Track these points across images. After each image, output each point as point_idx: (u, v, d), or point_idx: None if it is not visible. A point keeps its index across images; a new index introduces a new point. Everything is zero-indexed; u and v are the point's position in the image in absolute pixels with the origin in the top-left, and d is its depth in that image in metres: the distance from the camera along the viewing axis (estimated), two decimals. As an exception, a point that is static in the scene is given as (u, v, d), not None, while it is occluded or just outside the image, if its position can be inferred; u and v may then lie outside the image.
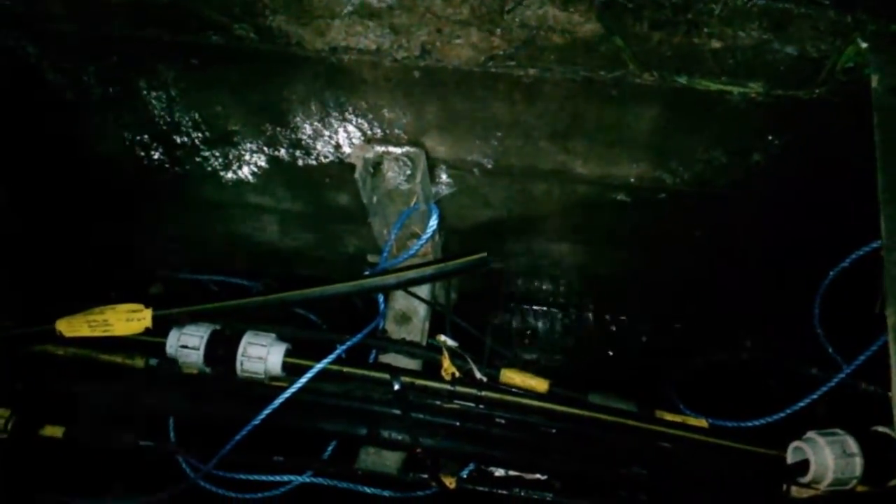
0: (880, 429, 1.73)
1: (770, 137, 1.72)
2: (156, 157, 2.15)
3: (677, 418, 2.01)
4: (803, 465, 1.72)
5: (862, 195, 1.32)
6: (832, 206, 1.82)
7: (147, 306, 2.05)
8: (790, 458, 1.76)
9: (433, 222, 2.02)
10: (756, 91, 1.58)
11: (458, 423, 2.06)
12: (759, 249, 2.10)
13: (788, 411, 1.93)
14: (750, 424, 1.97)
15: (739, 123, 1.70)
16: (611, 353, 2.56)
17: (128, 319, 2.05)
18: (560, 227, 2.20)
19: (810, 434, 1.75)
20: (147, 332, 2.10)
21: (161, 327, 2.08)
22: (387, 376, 2.02)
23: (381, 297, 2.22)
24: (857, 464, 1.70)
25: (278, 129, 1.99)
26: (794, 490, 1.92)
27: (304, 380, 1.98)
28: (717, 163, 1.84)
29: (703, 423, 1.99)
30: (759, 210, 1.99)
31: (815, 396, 1.91)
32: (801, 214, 1.94)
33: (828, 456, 1.69)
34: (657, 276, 2.31)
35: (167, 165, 2.17)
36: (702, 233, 2.09)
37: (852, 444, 1.72)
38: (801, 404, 1.91)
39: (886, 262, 1.20)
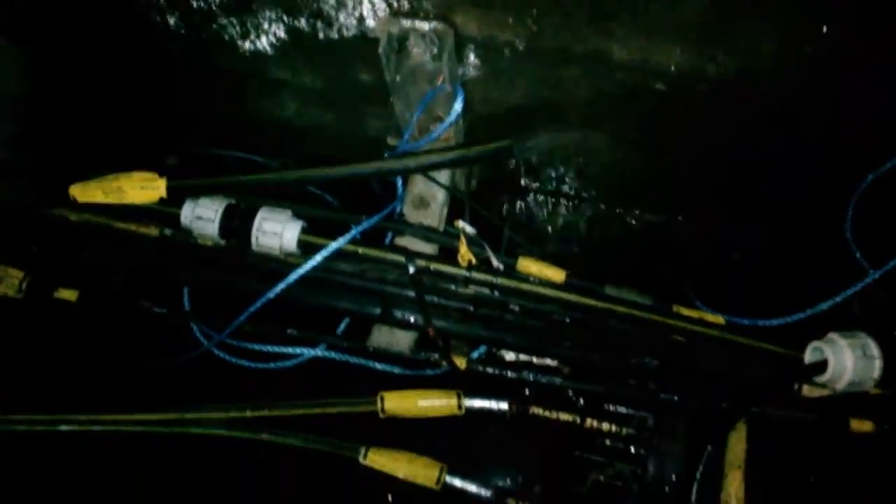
0: (904, 335, 1.74)
1: (824, 28, 1.65)
2: (171, 22, 2.08)
3: (694, 313, 2.04)
4: (821, 365, 1.75)
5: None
6: (883, 103, 1.76)
7: (162, 176, 2.01)
8: (808, 357, 1.79)
9: (458, 105, 1.99)
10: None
11: (471, 308, 2.11)
12: (797, 147, 2.05)
13: (809, 312, 1.94)
14: (767, 323, 1.98)
15: (794, 10, 1.62)
16: (632, 248, 2.57)
17: (142, 188, 2.07)
18: (589, 117, 2.17)
19: (831, 335, 1.78)
20: (161, 202, 2.11)
21: (175, 198, 2.10)
22: (402, 259, 2.05)
23: (399, 181, 2.20)
24: (877, 366, 1.74)
25: (299, -6, 1.89)
26: (806, 389, 1.97)
27: (319, 257, 2.01)
28: (765, 54, 1.78)
29: (719, 319, 2.02)
30: (806, 107, 1.94)
31: (838, 300, 1.92)
32: (846, 110, 1.88)
33: (847, 357, 1.72)
34: (687, 172, 2.28)
35: (183, 32, 2.10)
36: (738, 128, 2.03)
37: (873, 347, 1.75)
38: (824, 307, 1.93)
39: None
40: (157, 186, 2.07)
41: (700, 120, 2.07)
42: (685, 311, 2.04)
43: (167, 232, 2.18)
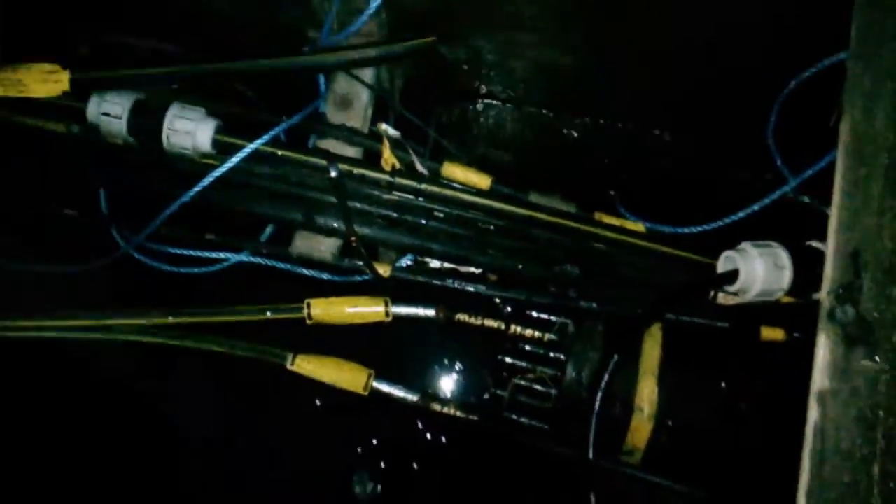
0: (814, 244, 1.83)
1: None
2: None
3: (615, 221, 2.12)
4: (733, 275, 1.84)
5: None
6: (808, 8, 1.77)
7: (65, 68, 1.98)
8: (721, 266, 1.88)
9: (379, -5, 1.94)
10: None
11: (395, 215, 2.15)
12: (726, 49, 2.07)
13: (725, 221, 2.02)
14: (686, 231, 2.07)
15: None
16: (559, 154, 2.60)
17: (44, 80, 2.03)
18: (523, 15, 2.13)
19: (744, 244, 1.86)
20: (66, 97, 2.03)
21: (83, 92, 2.07)
22: (324, 162, 2.04)
23: (321, 78, 2.17)
24: (786, 276, 1.83)
25: None
26: (721, 297, 2.08)
27: (236, 158, 2.01)
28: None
29: (640, 227, 2.11)
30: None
31: (755, 208, 2.00)
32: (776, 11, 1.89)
33: (758, 266, 1.81)
34: (618, 75, 2.29)
35: None
36: (671, 24, 2.03)
37: (784, 257, 1.84)
38: (740, 215, 2.01)
39: (849, 73, 1.21)
40: (60, 79, 2.04)
41: (628, 18, 2.02)
42: (607, 219, 2.11)
43: (74, 129, 2.13)
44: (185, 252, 2.41)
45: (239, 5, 2.36)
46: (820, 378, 1.08)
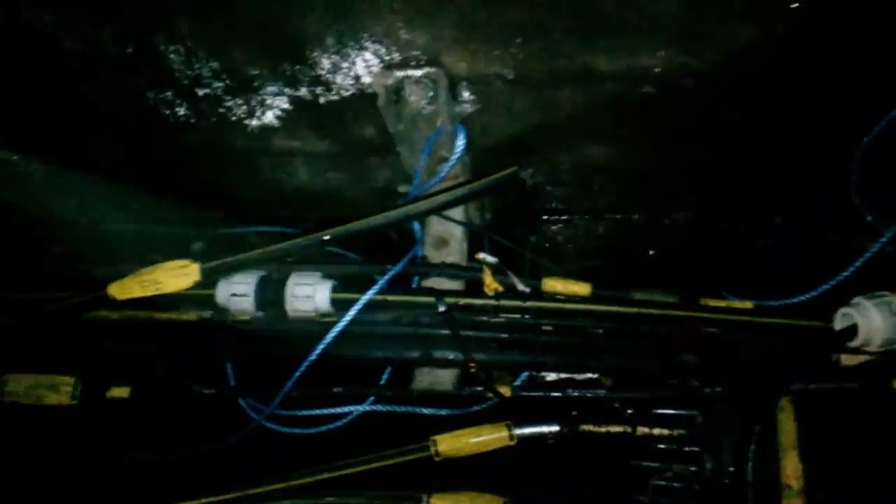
0: (924, 288, 1.87)
1: (793, 4, 1.84)
2: (181, 112, 2.32)
3: (721, 303, 2.18)
4: (851, 330, 1.88)
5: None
6: (866, 69, 1.92)
7: (194, 262, 2.21)
8: (838, 325, 1.91)
9: (460, 142, 2.18)
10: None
11: (506, 336, 2.24)
12: (795, 125, 2.22)
13: (832, 283, 2.07)
14: (795, 300, 2.12)
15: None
16: (650, 252, 2.72)
17: (177, 276, 2.24)
18: (588, 132, 2.33)
19: (857, 299, 1.91)
20: (196, 286, 2.26)
21: (208, 280, 2.25)
22: (432, 299, 2.18)
23: (416, 225, 2.38)
24: (907, 322, 1.84)
25: (297, 67, 2.13)
26: (844, 359, 2.10)
27: (352, 312, 2.17)
28: (742, 38, 1.97)
29: (747, 304, 2.16)
30: (790, 83, 2.11)
31: (857, 265, 2.05)
32: (833, 82, 2.06)
33: (875, 316, 1.85)
34: (690, 167, 2.44)
35: (193, 121, 2.34)
36: (732, 116, 2.21)
37: (900, 303, 1.86)
38: (845, 275, 2.05)
39: None
40: (191, 272, 2.23)
41: (688, 114, 2.22)
42: (713, 303, 2.17)
43: (206, 314, 2.34)
44: (312, 412, 2.48)
45: (334, 180, 2.65)
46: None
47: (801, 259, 2.48)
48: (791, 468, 1.99)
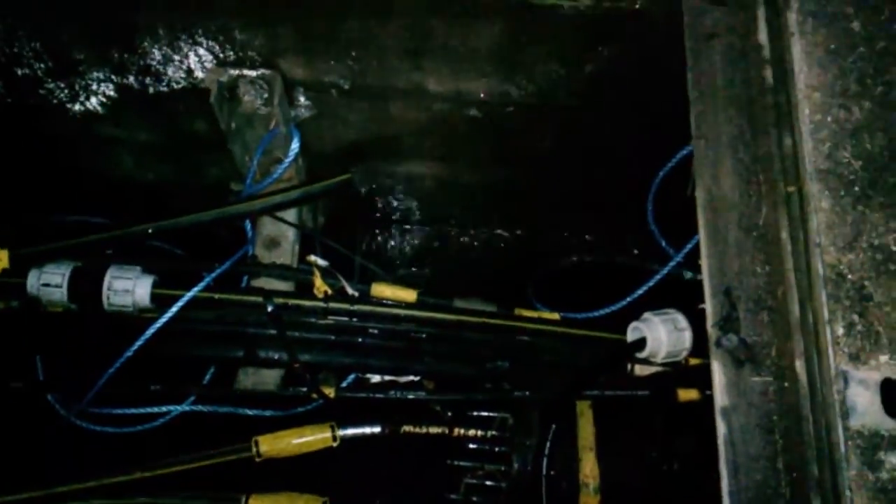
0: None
1: (600, 48, 2.02)
2: (-2, 91, 2.18)
3: (533, 314, 2.34)
4: (641, 343, 2.08)
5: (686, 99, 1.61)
6: (662, 110, 2.14)
7: (2, 247, 2.09)
8: (630, 336, 2.10)
9: (295, 145, 2.21)
10: (585, 3, 1.86)
11: (333, 337, 2.28)
12: (602, 156, 2.44)
13: (629, 299, 2.28)
14: (596, 314, 2.32)
15: (573, 35, 1.98)
16: (473, 263, 2.87)
17: (-19, 261, 2.09)
18: (420, 146, 2.42)
19: (646, 314, 2.11)
20: (4, 273, 2.14)
21: (18, 268, 2.14)
22: (260, 299, 2.17)
23: (248, 224, 2.37)
24: (687, 337, 2.07)
25: (125, 55, 2.07)
26: (638, 368, 2.32)
27: (175, 308, 2.12)
28: (556, 75, 2.12)
29: (555, 315, 2.34)
30: (599, 118, 2.30)
31: (650, 284, 2.27)
32: (636, 119, 2.26)
33: (661, 331, 2.05)
34: (513, 187, 2.62)
35: (8, 100, 2.21)
36: (549, 143, 2.39)
37: (682, 320, 2.09)
38: (640, 292, 2.28)
39: (695, 149, 1.51)
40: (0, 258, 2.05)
41: (511, 139, 2.36)
42: (526, 313, 2.33)
43: (13, 304, 2.20)
44: (127, 411, 2.39)
45: (161, 173, 2.54)
46: (720, 397, 1.30)
47: (607, 277, 2.69)
48: (589, 468, 2.18)
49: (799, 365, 1.26)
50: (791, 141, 1.35)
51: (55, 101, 2.18)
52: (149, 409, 2.39)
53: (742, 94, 1.44)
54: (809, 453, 1.20)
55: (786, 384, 1.26)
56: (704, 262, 1.33)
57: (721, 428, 1.23)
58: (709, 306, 1.31)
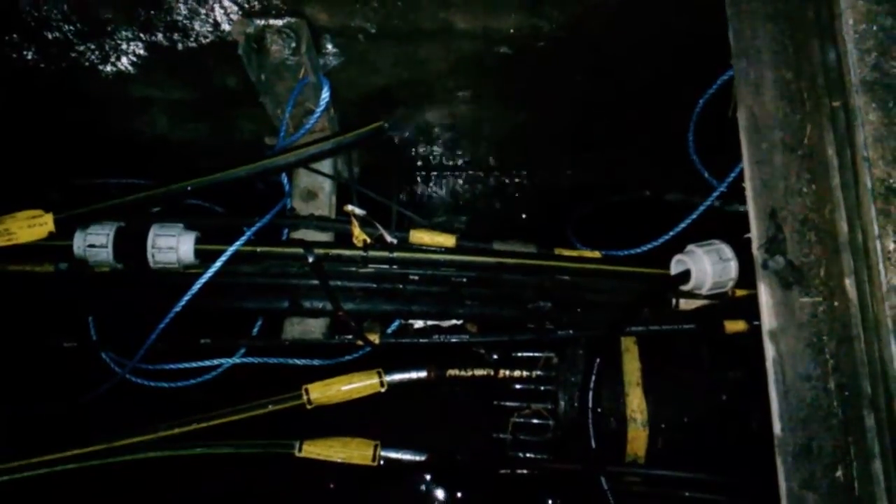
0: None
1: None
2: (30, 56, 2.21)
3: (574, 253, 2.33)
4: (685, 275, 2.05)
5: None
6: (699, 34, 2.04)
7: (48, 211, 2.13)
8: (673, 269, 2.08)
9: (325, 94, 2.20)
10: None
11: (374, 285, 2.30)
12: (638, 88, 2.37)
13: (671, 234, 2.25)
14: (638, 250, 2.29)
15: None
16: (512, 205, 2.85)
17: (30, 226, 2.17)
18: (451, 89, 2.38)
19: (690, 247, 2.08)
20: (51, 237, 2.19)
21: (65, 231, 2.19)
22: (300, 250, 2.20)
23: (284, 177, 2.39)
24: (733, 267, 2.04)
25: (152, 12, 2.07)
26: (683, 303, 2.29)
27: (219, 262, 2.16)
28: (587, 3, 2.06)
29: (596, 254, 2.32)
30: (633, 48, 2.24)
31: (693, 217, 2.23)
32: (672, 46, 2.20)
33: (706, 262, 2.02)
34: (548, 127, 2.57)
35: (42, 65, 2.23)
36: (582, 78, 2.33)
37: (727, 250, 2.05)
38: (682, 226, 2.24)
39: (735, 68, 1.47)
40: (45, 222, 2.16)
41: (543, 76, 2.31)
42: (566, 252, 2.31)
43: (62, 266, 2.27)
44: (179, 366, 2.46)
45: (196, 131, 2.56)
46: (768, 320, 1.28)
47: (648, 214, 2.65)
48: (636, 402, 2.18)
49: (848, 283, 1.23)
50: (835, 54, 1.29)
51: (87, 64, 2.19)
52: (201, 363, 2.43)
53: (781, 7, 1.38)
54: (861, 371, 1.17)
55: (835, 303, 1.23)
56: (748, 184, 1.30)
57: (770, 350, 1.22)
58: (754, 228, 1.28)
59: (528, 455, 2.32)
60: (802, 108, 1.33)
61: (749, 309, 2.18)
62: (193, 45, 2.19)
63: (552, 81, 2.32)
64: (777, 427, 1.19)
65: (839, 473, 1.17)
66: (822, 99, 1.32)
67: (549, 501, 2.45)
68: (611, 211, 2.73)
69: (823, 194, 1.29)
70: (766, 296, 1.25)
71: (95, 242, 2.17)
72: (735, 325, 2.20)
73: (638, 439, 2.11)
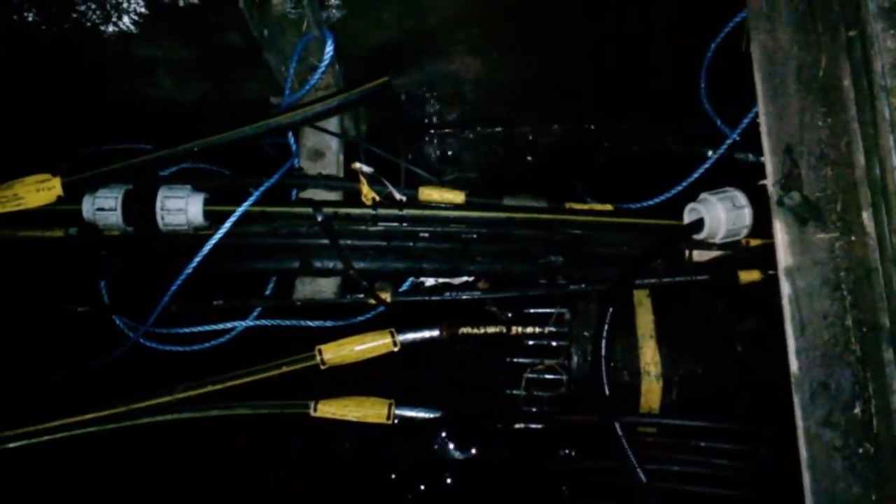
0: (765, 182, 2.02)
1: None
2: (30, 18, 2.18)
3: (584, 206, 2.29)
4: (699, 223, 2.02)
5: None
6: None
7: (55, 175, 2.13)
8: (686, 218, 2.05)
9: (329, 49, 2.16)
10: None
11: (384, 243, 2.29)
12: (649, 34, 2.31)
13: (683, 185, 2.21)
14: (650, 203, 2.26)
15: None
16: (521, 161, 2.81)
17: (38, 190, 2.17)
18: (458, 41, 2.34)
19: (703, 195, 2.04)
20: (60, 201, 2.19)
21: (73, 195, 2.19)
22: (309, 210, 2.20)
23: (290, 137, 2.36)
24: (747, 214, 2.01)
25: (151, -33, 2.02)
26: (696, 254, 2.26)
27: (228, 223, 2.16)
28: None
29: (608, 207, 2.29)
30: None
31: (706, 166, 2.19)
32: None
33: (719, 210, 1.99)
34: (555, 78, 2.52)
35: (43, 27, 2.21)
36: (591, 26, 2.27)
37: (741, 197, 2.02)
38: (695, 176, 2.20)
39: (748, 2, 1.42)
40: (53, 185, 2.16)
41: (552, 24, 2.25)
42: (577, 206, 2.28)
43: (72, 231, 2.27)
44: (193, 329, 2.46)
45: (201, 92, 2.54)
46: (784, 257, 1.25)
47: (661, 166, 2.61)
48: (650, 355, 2.16)
49: (866, 217, 1.20)
50: (850, -20, 1.23)
51: (88, 24, 2.17)
52: (214, 327, 2.45)
53: (797, -66, 1.31)
54: (880, 306, 1.14)
55: (853, 238, 1.20)
56: (763, 120, 1.27)
57: (785, 288, 1.19)
58: (769, 164, 1.25)
59: (542, 410, 2.25)
60: (817, 39, 1.29)
61: (763, 258, 2.16)
62: (195, 0, 2.08)
63: (561, 29, 2.26)
64: (794, 366, 1.17)
65: (857, 410, 1.14)
66: (838, 28, 1.28)
67: (564, 455, 2.42)
68: (623, 164, 2.67)
69: (839, 127, 1.26)
70: (781, 233, 1.22)
71: (104, 206, 2.17)
72: (749, 275, 2.18)
73: (652, 392, 2.10)
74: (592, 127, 2.78)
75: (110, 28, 2.20)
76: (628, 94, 2.58)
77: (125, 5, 2.12)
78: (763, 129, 1.28)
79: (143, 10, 2.13)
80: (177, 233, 2.21)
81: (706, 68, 2.19)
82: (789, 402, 1.25)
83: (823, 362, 1.17)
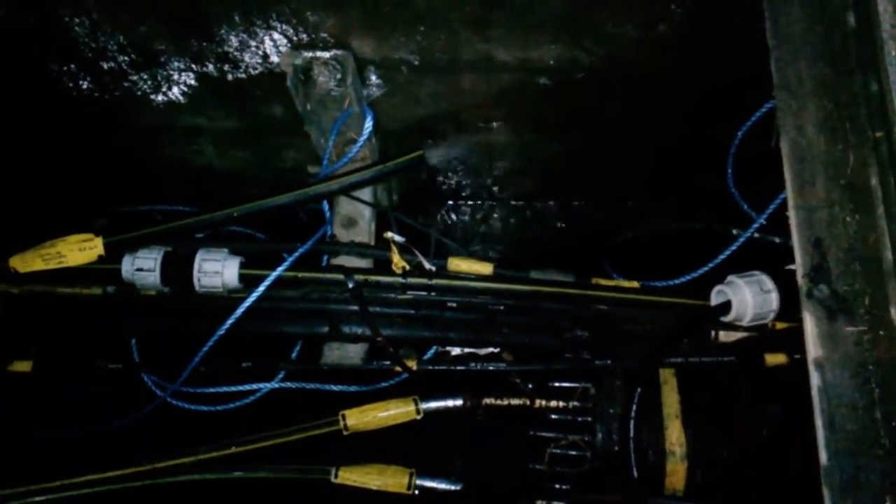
0: (793, 267, 2.07)
1: (672, 6, 1.99)
2: (84, 86, 2.32)
3: (611, 283, 2.34)
4: (726, 305, 2.06)
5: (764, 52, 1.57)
6: (738, 65, 2.08)
7: (98, 235, 2.21)
8: (714, 300, 2.08)
9: (368, 124, 2.27)
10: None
11: (412, 312, 2.34)
12: (677, 121, 2.40)
13: (710, 265, 2.25)
14: (677, 281, 2.30)
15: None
16: (548, 236, 2.88)
17: (80, 249, 2.24)
18: (490, 119, 2.44)
19: (730, 277, 2.08)
20: (100, 260, 2.27)
21: (113, 255, 2.26)
22: (341, 276, 2.25)
23: (325, 205, 2.45)
24: (774, 298, 2.04)
25: (204, 43, 2.16)
26: (723, 335, 2.29)
27: (262, 287, 2.21)
28: (627, 37, 2.10)
29: (634, 284, 2.33)
30: (672, 80, 2.27)
31: (733, 248, 2.24)
32: (711, 77, 2.23)
33: (747, 293, 2.02)
34: (585, 157, 2.61)
35: (96, 95, 2.33)
36: (621, 108, 2.37)
37: (768, 282, 2.06)
38: (722, 257, 2.24)
39: (777, 99, 1.49)
40: (95, 245, 2.23)
41: (582, 109, 2.35)
42: (604, 282, 2.33)
43: (110, 289, 2.35)
44: (220, 389, 2.51)
45: (242, 160, 2.65)
46: (814, 349, 1.29)
47: (687, 245, 2.66)
48: (675, 435, 2.17)
49: (894, 313, 1.24)
50: (877, 85, 1.31)
51: (139, 93, 2.28)
52: (240, 388, 2.48)
53: (823, 39, 1.40)
54: (909, 402, 1.17)
55: (881, 332, 1.23)
56: (792, 213, 1.32)
57: (815, 380, 1.22)
58: (798, 257, 1.30)
59: (564, 486, 2.25)
60: (845, 139, 1.35)
61: (790, 342, 2.18)
62: (242, 75, 2.25)
63: (591, 112, 2.35)
64: (823, 457, 1.19)
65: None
66: (866, 129, 1.34)
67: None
68: (649, 242, 2.72)
69: (868, 224, 1.30)
70: (811, 325, 1.26)
71: (144, 266, 2.22)
72: (775, 359, 2.19)
73: (677, 473, 2.10)
74: (621, 204, 2.82)
75: (159, 97, 2.30)
76: (658, 175, 2.64)
77: (175, 77, 2.23)
78: (792, 222, 1.33)
79: (192, 82, 2.24)
80: (211, 294, 2.22)
81: (734, 154, 2.24)
82: (816, 490, 1.26)
83: (853, 455, 1.19)
